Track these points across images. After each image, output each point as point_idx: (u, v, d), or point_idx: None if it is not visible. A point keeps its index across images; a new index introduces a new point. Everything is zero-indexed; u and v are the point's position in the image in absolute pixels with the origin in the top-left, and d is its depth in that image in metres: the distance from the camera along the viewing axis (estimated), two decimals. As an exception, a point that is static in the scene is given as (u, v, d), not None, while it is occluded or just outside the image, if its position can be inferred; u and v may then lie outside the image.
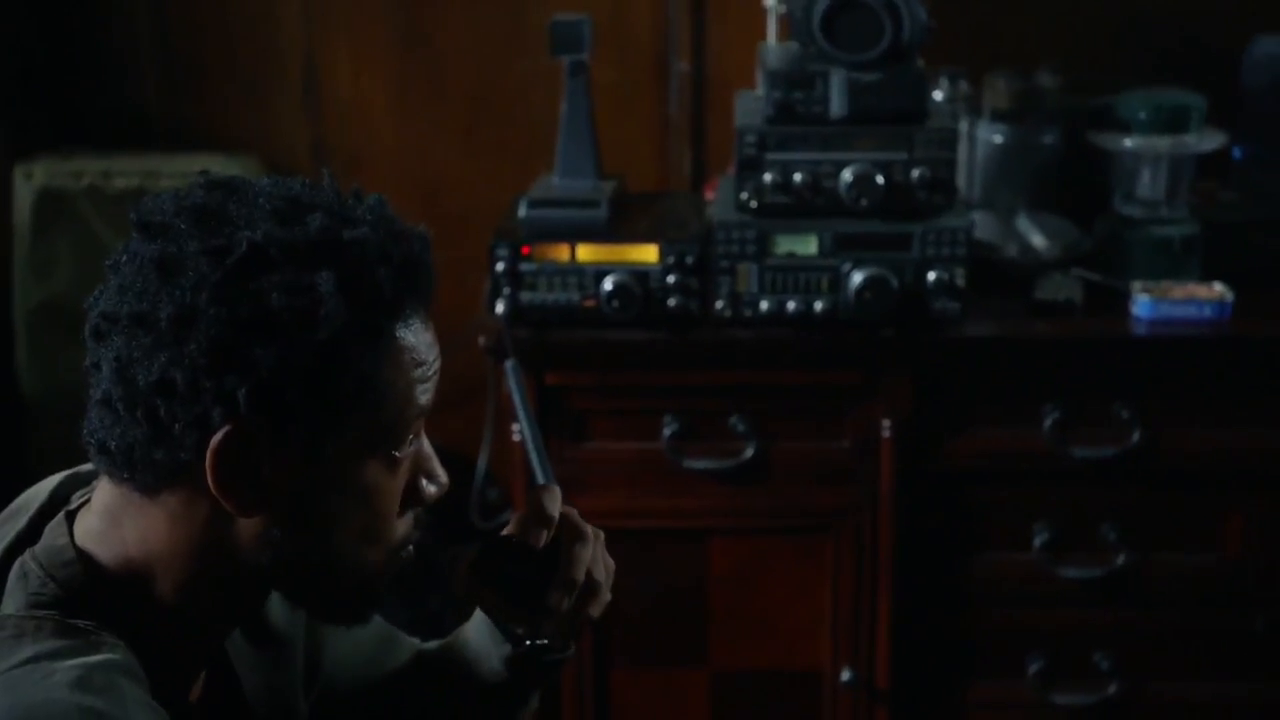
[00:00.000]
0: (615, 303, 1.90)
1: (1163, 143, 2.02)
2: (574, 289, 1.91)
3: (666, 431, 1.94)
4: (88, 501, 1.01)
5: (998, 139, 2.11)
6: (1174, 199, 2.06)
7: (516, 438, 1.92)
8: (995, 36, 2.32)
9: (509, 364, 1.82)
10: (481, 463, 2.29)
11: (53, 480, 1.05)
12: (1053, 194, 2.14)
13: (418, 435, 1.01)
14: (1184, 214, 2.06)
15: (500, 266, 1.91)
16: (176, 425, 0.92)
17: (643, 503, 1.97)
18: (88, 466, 1.03)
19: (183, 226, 0.94)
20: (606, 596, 1.14)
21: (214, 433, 0.92)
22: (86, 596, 0.96)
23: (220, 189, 0.97)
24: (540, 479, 1.48)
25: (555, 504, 1.11)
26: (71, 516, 1.00)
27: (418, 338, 0.98)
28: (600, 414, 1.96)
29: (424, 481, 1.03)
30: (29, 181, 2.39)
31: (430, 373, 0.99)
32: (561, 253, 1.91)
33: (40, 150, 2.43)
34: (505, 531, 1.13)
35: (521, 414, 1.76)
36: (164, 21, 2.44)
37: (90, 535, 0.98)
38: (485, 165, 2.44)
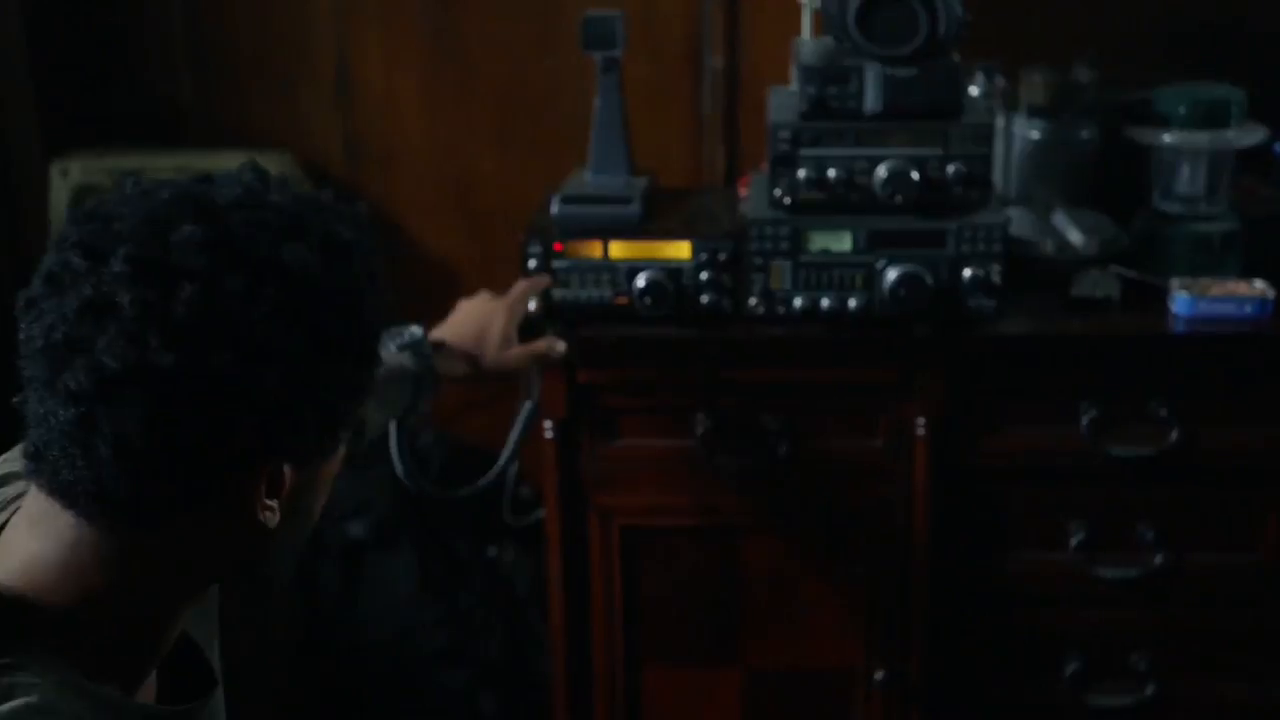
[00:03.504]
0: (648, 300, 1.89)
1: (1202, 138, 2.00)
2: (606, 286, 1.91)
3: (699, 429, 1.93)
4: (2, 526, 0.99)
5: (1034, 134, 2.09)
6: (1214, 195, 2.03)
7: (549, 435, 1.92)
8: (1032, 30, 2.30)
9: (526, 405, 1.88)
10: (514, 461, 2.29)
11: None
12: (1090, 190, 2.12)
13: None
14: (1224, 210, 2.04)
15: (532, 263, 1.90)
16: (222, 479, 0.95)
17: (674, 500, 1.97)
18: None
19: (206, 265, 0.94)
20: None
21: (258, 479, 0.96)
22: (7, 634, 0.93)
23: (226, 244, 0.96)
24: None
25: None
26: None
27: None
28: (632, 411, 1.95)
29: None
30: (65, 179, 2.41)
31: None
32: (594, 249, 1.91)
33: (76, 147, 2.44)
34: None
35: (510, 448, 1.86)
36: (197, 19, 2.45)
37: (35, 569, 0.95)
38: (516, 162, 2.44)
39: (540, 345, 1.84)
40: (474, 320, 1.77)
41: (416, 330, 1.70)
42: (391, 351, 1.66)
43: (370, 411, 1.57)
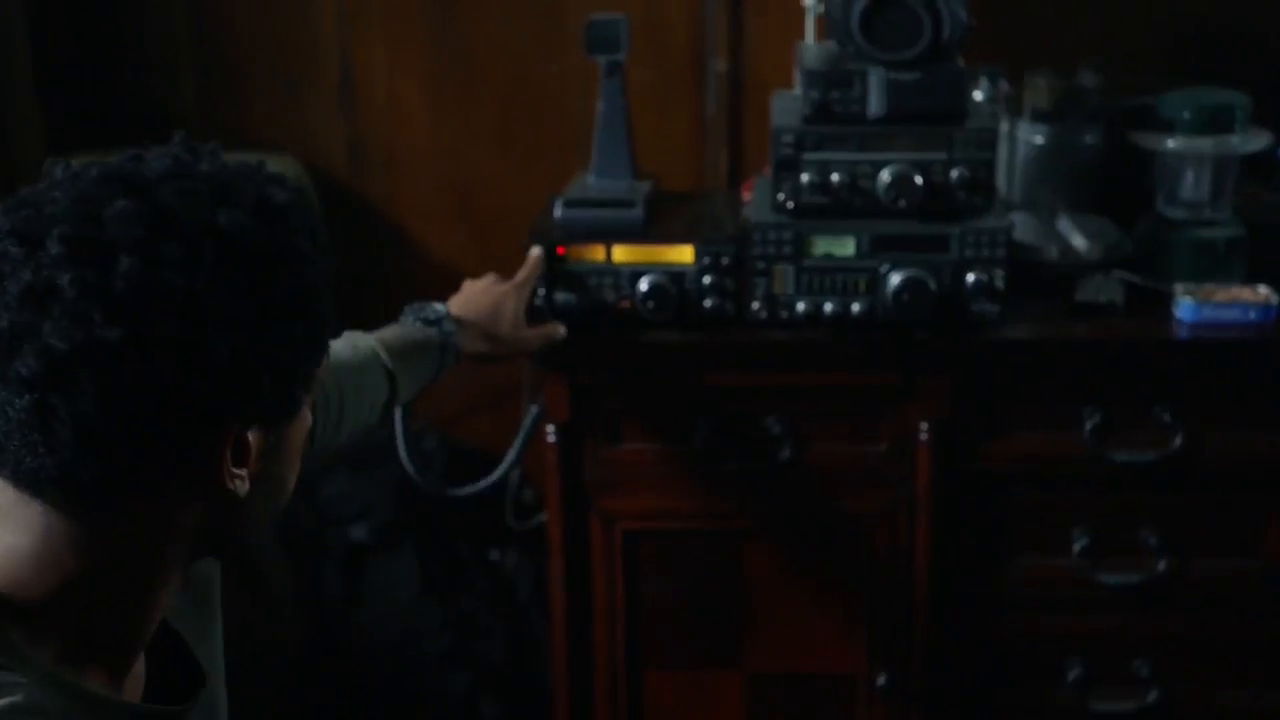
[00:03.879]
0: (651, 303, 1.89)
1: (1206, 143, 1.99)
2: (609, 290, 1.90)
3: (701, 433, 1.93)
4: None
5: (1038, 139, 2.09)
6: (1218, 200, 2.03)
7: (551, 439, 1.92)
8: (1036, 35, 2.30)
9: (533, 410, 1.89)
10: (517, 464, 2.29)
11: None
12: (1094, 195, 2.12)
13: None
14: (1228, 215, 2.04)
15: (535, 267, 1.91)
16: (184, 449, 0.95)
17: (677, 504, 1.96)
18: None
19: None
20: None
21: (221, 446, 0.96)
22: None
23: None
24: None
25: None
26: None
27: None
28: (635, 415, 1.95)
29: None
30: (67, 180, 2.41)
31: None
32: (597, 253, 1.90)
33: (78, 148, 2.44)
34: None
35: (517, 449, 1.86)
36: (201, 20, 2.45)
37: (10, 563, 0.95)
38: (520, 165, 2.44)
39: (551, 328, 1.87)
40: (486, 300, 1.80)
41: (440, 306, 1.73)
42: (417, 325, 1.71)
43: (402, 380, 1.62)
